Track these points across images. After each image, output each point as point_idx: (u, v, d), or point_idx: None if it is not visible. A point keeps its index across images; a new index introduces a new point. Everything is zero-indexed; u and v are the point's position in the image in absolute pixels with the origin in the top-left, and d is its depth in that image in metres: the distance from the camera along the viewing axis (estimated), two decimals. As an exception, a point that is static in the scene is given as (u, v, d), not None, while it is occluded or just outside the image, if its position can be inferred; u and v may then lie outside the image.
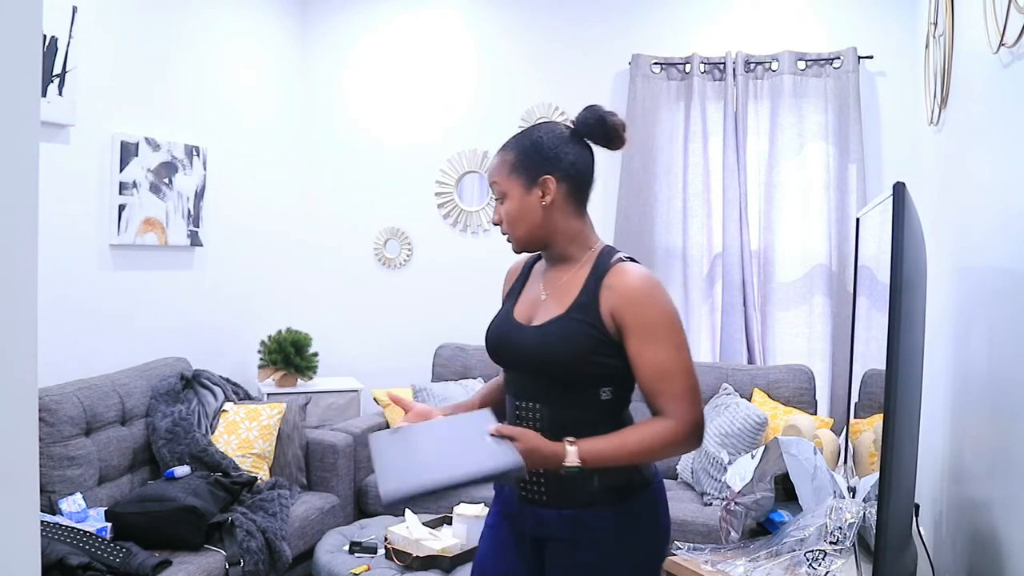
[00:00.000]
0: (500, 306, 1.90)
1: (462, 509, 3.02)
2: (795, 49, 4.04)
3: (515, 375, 1.75)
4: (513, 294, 1.85)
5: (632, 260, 1.70)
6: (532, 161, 1.69)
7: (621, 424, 1.71)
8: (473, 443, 1.56)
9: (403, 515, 3.19)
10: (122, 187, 3.47)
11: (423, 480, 1.52)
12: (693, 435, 1.60)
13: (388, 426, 4.03)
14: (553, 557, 1.69)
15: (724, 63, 4.09)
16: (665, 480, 3.88)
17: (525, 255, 1.87)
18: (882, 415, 1.61)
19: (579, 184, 1.72)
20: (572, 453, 1.56)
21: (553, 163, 1.69)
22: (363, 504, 3.75)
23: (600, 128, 1.71)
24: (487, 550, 1.82)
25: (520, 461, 1.50)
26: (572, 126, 1.75)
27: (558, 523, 1.66)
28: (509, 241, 1.75)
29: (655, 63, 4.19)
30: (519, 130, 1.79)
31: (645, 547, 1.68)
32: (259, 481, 3.30)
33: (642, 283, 1.63)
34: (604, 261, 1.68)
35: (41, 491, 2.52)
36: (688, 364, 1.62)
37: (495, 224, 1.75)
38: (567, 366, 1.64)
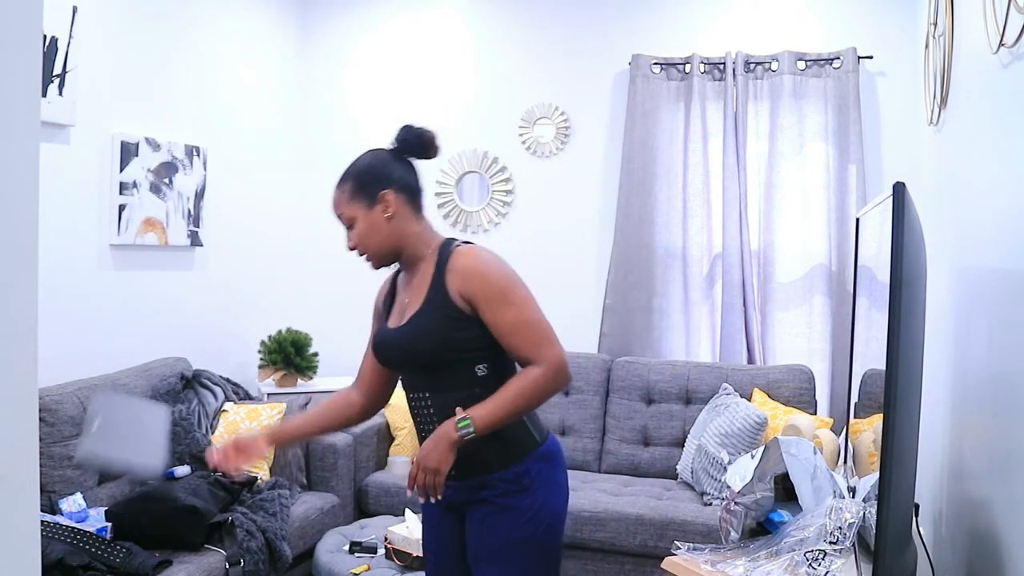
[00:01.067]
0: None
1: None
2: (795, 49, 4.04)
3: (403, 373, 1.99)
4: (387, 308, 2.05)
5: (468, 243, 1.94)
6: (367, 183, 1.92)
7: None
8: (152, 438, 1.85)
9: (403, 515, 3.19)
10: (122, 187, 3.47)
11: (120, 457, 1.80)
12: (560, 372, 1.82)
13: (388, 426, 4.03)
14: (469, 520, 1.94)
15: (724, 63, 4.09)
16: (665, 480, 3.89)
17: (388, 274, 2.10)
18: (882, 415, 1.61)
19: (412, 193, 1.96)
20: (459, 413, 1.79)
21: (386, 180, 1.92)
22: (363, 504, 3.75)
23: (418, 143, 1.99)
24: (426, 533, 2.08)
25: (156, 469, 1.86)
26: (392, 147, 1.99)
27: (466, 491, 1.91)
28: (368, 260, 1.96)
29: (655, 63, 4.19)
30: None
31: (541, 500, 1.90)
32: (259, 481, 3.30)
33: (476, 258, 1.87)
34: (445, 251, 1.91)
35: (41, 491, 2.52)
36: (535, 314, 1.84)
37: (351, 250, 1.96)
38: (434, 350, 1.86)
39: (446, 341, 1.85)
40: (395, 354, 1.95)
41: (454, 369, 1.87)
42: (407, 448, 3.96)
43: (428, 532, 2.07)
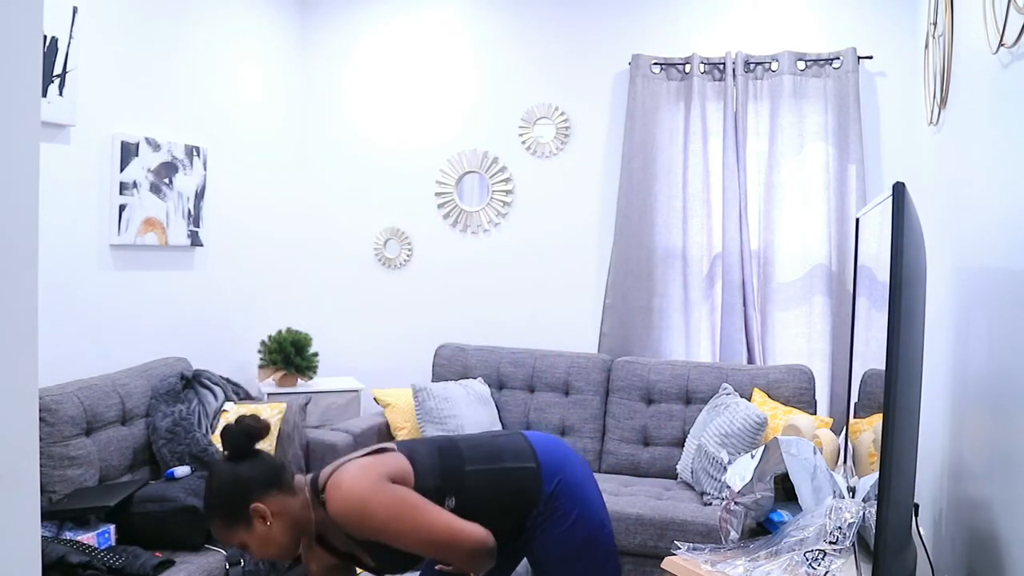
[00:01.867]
0: None
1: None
2: (795, 49, 4.04)
3: None
4: (345, 567, 2.07)
5: (327, 476, 1.91)
6: (233, 507, 1.86)
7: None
8: None
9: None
10: (122, 187, 3.47)
11: None
12: (474, 566, 1.87)
13: (388, 426, 4.03)
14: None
15: (724, 63, 4.09)
16: (665, 480, 3.88)
17: (303, 548, 2.04)
18: (882, 415, 1.61)
19: (274, 480, 1.90)
20: None
21: (246, 491, 1.87)
22: (363, 504, 3.74)
23: (244, 439, 1.90)
24: None
25: None
26: (226, 457, 1.93)
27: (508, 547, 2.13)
28: (281, 561, 2.07)
29: (655, 63, 4.19)
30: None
31: (573, 513, 2.04)
32: (259, 481, 3.29)
33: (346, 510, 1.83)
34: (319, 507, 1.90)
35: (41, 491, 2.52)
36: (428, 533, 1.84)
37: (257, 562, 2.04)
38: (419, 558, 2.00)
39: (403, 558, 1.97)
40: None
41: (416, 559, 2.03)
42: (407, 448, 3.95)
43: None
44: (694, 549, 2.22)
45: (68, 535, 2.59)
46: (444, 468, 1.96)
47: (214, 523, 1.90)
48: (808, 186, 4.03)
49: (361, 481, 1.85)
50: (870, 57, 3.97)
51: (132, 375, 3.31)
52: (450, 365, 4.25)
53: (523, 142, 4.47)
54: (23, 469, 0.98)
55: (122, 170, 3.46)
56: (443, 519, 1.86)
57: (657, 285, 4.19)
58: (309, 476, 1.99)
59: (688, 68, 4.15)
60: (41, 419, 2.76)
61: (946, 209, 2.86)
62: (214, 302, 4.12)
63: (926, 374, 2.11)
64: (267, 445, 3.45)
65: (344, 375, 4.63)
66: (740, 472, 2.47)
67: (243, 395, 3.77)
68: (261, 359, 4.22)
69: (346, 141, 4.77)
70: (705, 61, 4.12)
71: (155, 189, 3.65)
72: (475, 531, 1.87)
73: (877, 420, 1.87)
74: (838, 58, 3.96)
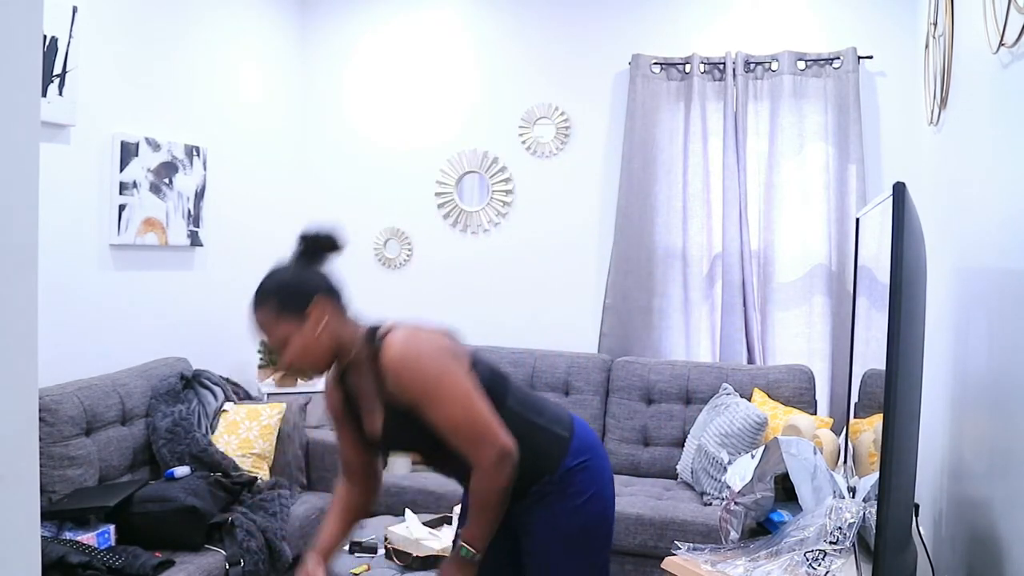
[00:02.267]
0: (340, 435, 2.04)
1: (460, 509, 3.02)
2: (795, 49, 4.04)
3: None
4: (352, 412, 1.99)
5: (390, 328, 1.85)
6: (292, 299, 1.82)
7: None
8: None
9: (403, 515, 3.19)
10: (122, 187, 3.47)
11: None
12: (496, 469, 1.79)
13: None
14: (519, 525, 2.00)
15: (724, 63, 4.09)
16: (665, 480, 3.88)
17: (329, 378, 2.00)
18: (882, 415, 1.61)
19: (337, 293, 1.89)
20: (457, 548, 1.86)
21: (311, 288, 1.84)
22: (363, 504, 3.74)
23: (320, 245, 1.90)
24: None
25: None
26: (297, 255, 1.91)
27: (515, 513, 1.96)
28: (309, 375, 1.89)
29: (655, 63, 4.19)
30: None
31: (588, 491, 1.94)
32: (259, 481, 3.30)
33: (401, 356, 1.78)
34: (373, 348, 1.84)
35: (41, 491, 2.52)
36: (467, 411, 1.78)
37: (285, 369, 1.86)
38: (429, 446, 1.87)
39: (433, 436, 1.82)
40: (389, 456, 2.00)
41: (436, 447, 1.87)
42: (407, 448, 3.96)
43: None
44: (694, 549, 2.22)
45: (68, 535, 2.59)
46: (487, 388, 1.88)
47: (265, 308, 1.81)
48: (808, 186, 4.03)
49: (425, 340, 1.81)
50: (870, 57, 3.97)
51: (132, 375, 3.31)
52: (450, 365, 4.24)
53: (523, 142, 4.47)
54: (23, 469, 0.98)
55: (122, 170, 3.46)
56: (485, 407, 1.80)
57: (657, 285, 4.19)
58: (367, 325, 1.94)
59: (688, 68, 4.15)
60: (41, 419, 2.76)
61: (946, 209, 2.86)
62: (214, 302, 4.12)
63: (926, 374, 2.10)
64: (267, 445, 3.45)
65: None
66: (740, 472, 2.47)
67: (243, 395, 3.77)
68: (261, 359, 4.22)
69: (346, 141, 4.77)
70: (705, 61, 4.12)
71: (155, 189, 3.65)
72: (507, 435, 1.80)
73: (877, 420, 1.87)
74: (838, 58, 3.96)
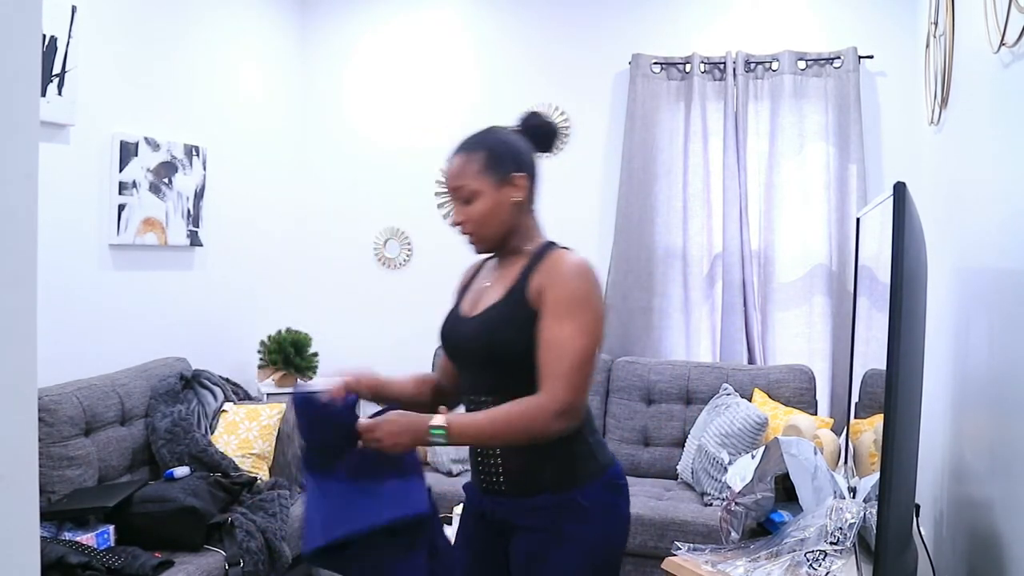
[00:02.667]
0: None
1: (461, 509, 3.01)
2: (795, 49, 4.04)
3: (465, 370, 1.81)
4: (464, 291, 1.91)
5: (570, 251, 1.76)
6: (503, 159, 1.73)
7: None
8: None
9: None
10: (122, 187, 3.47)
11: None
12: (559, 414, 1.60)
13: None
14: (516, 549, 1.75)
15: (724, 63, 4.08)
16: (665, 480, 3.88)
17: (482, 256, 1.91)
18: (882, 415, 1.61)
19: (536, 181, 1.79)
20: (438, 417, 1.62)
21: (521, 160, 1.75)
22: (363, 504, 3.74)
23: (542, 132, 1.83)
24: (459, 542, 1.91)
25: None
26: (518, 129, 1.83)
27: (517, 511, 1.73)
28: (472, 243, 1.77)
29: (655, 63, 4.19)
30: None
31: (602, 532, 1.73)
32: (259, 481, 3.29)
33: (570, 267, 1.68)
34: (543, 250, 1.75)
35: (40, 491, 2.52)
36: (585, 350, 1.62)
37: (457, 225, 1.76)
38: (501, 346, 1.68)
39: (515, 339, 1.66)
40: (458, 344, 1.79)
41: (518, 373, 1.66)
42: (407, 448, 3.95)
43: (459, 538, 1.90)
44: (694, 550, 2.22)
45: (67, 535, 2.59)
46: None
47: (473, 156, 1.72)
48: (808, 186, 4.03)
49: (598, 286, 1.70)
50: (871, 57, 3.97)
51: (131, 375, 3.31)
52: (450, 365, 4.25)
53: (523, 142, 4.47)
54: (22, 469, 0.98)
55: (121, 170, 3.46)
56: (593, 364, 1.65)
57: (657, 285, 4.19)
58: None
59: (688, 68, 4.15)
60: (40, 419, 2.76)
61: (946, 209, 2.85)
62: (214, 302, 4.12)
63: (927, 374, 2.10)
64: (267, 445, 3.45)
65: (344, 375, 4.62)
66: (740, 472, 2.47)
67: (243, 395, 3.77)
68: (261, 359, 4.22)
69: (346, 141, 4.76)
70: (705, 61, 4.12)
71: (154, 189, 3.65)
72: (585, 402, 1.66)
73: (878, 420, 1.87)
74: (839, 58, 3.96)
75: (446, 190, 1.76)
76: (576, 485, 1.71)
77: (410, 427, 1.62)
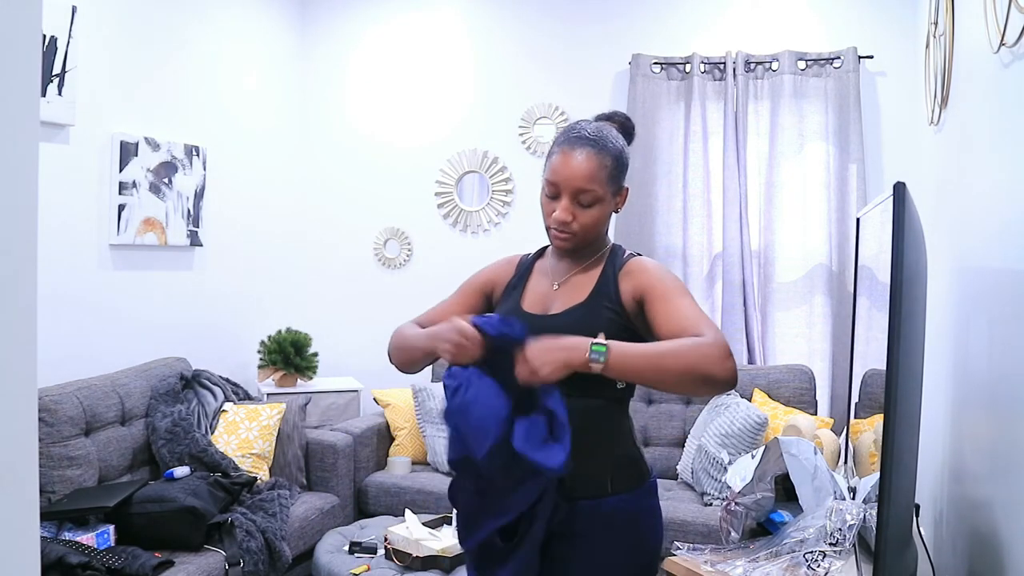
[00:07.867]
0: (456, 299, 1.95)
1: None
2: (795, 49, 4.04)
3: None
4: (513, 289, 1.85)
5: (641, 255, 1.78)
6: (623, 170, 1.71)
7: (627, 421, 1.75)
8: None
9: (403, 515, 3.19)
10: (122, 187, 3.47)
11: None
12: (728, 356, 1.47)
13: (388, 426, 4.03)
14: (560, 556, 1.67)
15: (724, 63, 4.09)
16: (665, 480, 3.88)
17: (518, 256, 1.91)
18: (882, 415, 1.61)
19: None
20: (596, 339, 1.49)
21: (626, 173, 1.73)
22: (363, 504, 3.74)
23: (631, 136, 1.79)
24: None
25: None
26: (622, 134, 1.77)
27: (570, 517, 1.65)
28: (563, 242, 1.71)
29: (655, 63, 4.19)
30: (578, 124, 1.73)
31: (648, 537, 1.72)
32: (259, 481, 3.29)
33: (658, 266, 1.72)
34: (618, 256, 1.74)
35: (40, 491, 2.52)
36: (700, 313, 1.59)
37: (562, 223, 1.68)
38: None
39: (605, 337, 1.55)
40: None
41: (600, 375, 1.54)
42: (407, 448, 3.96)
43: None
44: (694, 549, 2.22)
45: (67, 535, 2.59)
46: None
47: (605, 160, 1.65)
48: (808, 186, 4.03)
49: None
50: (871, 57, 3.97)
51: (131, 375, 3.31)
52: (450, 365, 4.24)
53: (523, 142, 4.47)
54: (22, 469, 0.98)
55: (121, 170, 3.46)
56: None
57: (657, 285, 4.18)
58: None
59: (688, 68, 4.15)
60: (40, 419, 2.76)
61: (946, 209, 2.85)
62: (214, 302, 4.12)
63: (927, 374, 2.10)
64: (267, 445, 3.45)
65: (344, 375, 4.63)
66: (740, 472, 2.47)
67: (243, 395, 3.77)
68: (261, 359, 4.22)
69: (346, 141, 4.76)
70: (705, 61, 4.12)
71: (154, 189, 3.65)
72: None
73: (878, 420, 1.87)
74: (839, 58, 3.96)
75: (558, 182, 1.67)
76: (628, 489, 1.69)
77: (566, 348, 1.49)
